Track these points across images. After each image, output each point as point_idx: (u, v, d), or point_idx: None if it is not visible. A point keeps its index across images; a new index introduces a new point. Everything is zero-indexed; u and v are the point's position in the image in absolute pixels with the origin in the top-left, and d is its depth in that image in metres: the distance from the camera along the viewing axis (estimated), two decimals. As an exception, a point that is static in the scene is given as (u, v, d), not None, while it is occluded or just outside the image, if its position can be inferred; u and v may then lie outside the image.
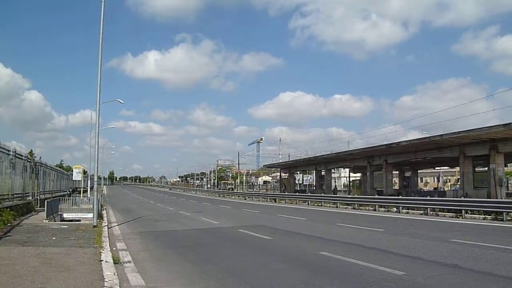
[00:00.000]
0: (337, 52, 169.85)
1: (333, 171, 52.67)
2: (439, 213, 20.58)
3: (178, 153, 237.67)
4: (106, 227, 14.60)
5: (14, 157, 17.01)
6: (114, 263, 7.83)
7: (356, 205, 27.18)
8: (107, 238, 11.42)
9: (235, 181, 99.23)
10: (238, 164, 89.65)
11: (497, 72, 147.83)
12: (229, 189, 77.89)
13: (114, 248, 10.09)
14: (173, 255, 9.75)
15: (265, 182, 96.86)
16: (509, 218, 17.23)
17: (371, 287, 6.28)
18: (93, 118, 29.83)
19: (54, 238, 10.89)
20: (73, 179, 31.13)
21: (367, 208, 25.84)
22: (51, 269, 6.87)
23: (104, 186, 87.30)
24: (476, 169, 32.14)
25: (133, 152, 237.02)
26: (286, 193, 46.17)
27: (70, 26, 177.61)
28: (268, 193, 58.07)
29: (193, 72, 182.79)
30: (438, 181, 67.18)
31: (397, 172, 46.08)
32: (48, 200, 17.34)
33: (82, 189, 36.10)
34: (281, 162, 61.13)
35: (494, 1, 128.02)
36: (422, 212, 21.48)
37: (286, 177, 57.55)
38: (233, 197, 50.64)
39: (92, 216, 14.99)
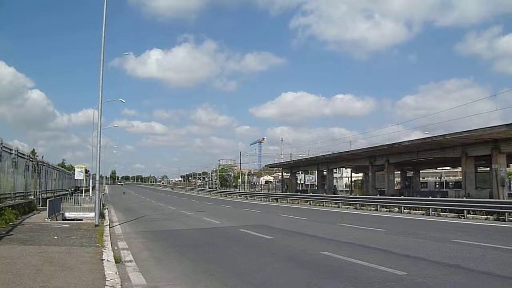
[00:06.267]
0: (339, 52, 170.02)
1: (335, 171, 52.63)
2: (441, 213, 20.54)
3: (180, 153, 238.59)
4: (108, 226, 14.63)
5: (16, 156, 17.06)
6: (116, 262, 7.84)
7: (357, 205, 27.15)
8: (109, 237, 11.44)
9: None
10: (240, 163, 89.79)
11: (499, 72, 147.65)
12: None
13: (115, 247, 10.10)
14: (174, 255, 9.74)
15: (266, 182, 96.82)
16: (511, 218, 17.18)
17: (372, 287, 6.27)
18: (95, 118, 29.88)
19: (56, 237, 10.91)
20: (75, 178, 31.21)
21: (369, 208, 25.80)
22: (53, 268, 6.89)
23: (106, 186, 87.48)
24: (478, 169, 32.09)
25: (135, 151, 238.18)
26: (288, 193, 46.17)
27: (72, 26, 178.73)
28: (270, 193, 58.03)
29: (195, 71, 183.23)
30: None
31: (399, 172, 46.01)
32: (50, 199, 17.40)
33: (84, 188, 36.13)
34: (282, 162, 61.12)
35: (497, 0, 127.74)
36: (424, 212, 21.44)
37: (288, 177, 57.54)
38: (235, 196, 50.65)
39: (93, 215, 15.02)
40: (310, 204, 32.15)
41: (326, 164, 45.53)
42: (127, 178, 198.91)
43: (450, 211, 20.26)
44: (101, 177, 31.86)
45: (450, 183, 49.02)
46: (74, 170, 32.64)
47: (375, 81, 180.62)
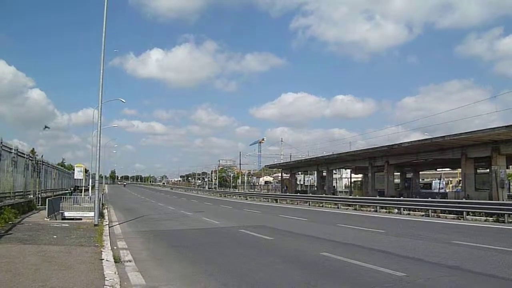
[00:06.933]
0: (339, 53, 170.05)
1: (334, 172, 52.60)
2: (440, 214, 20.54)
3: (180, 153, 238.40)
4: (107, 226, 14.62)
5: (16, 155, 17.05)
6: (115, 262, 7.83)
7: (357, 206, 27.16)
8: (108, 237, 11.43)
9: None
10: (240, 164, 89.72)
11: (500, 74, 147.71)
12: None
13: (115, 247, 10.09)
14: (174, 255, 9.74)
15: (266, 182, 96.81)
16: (511, 220, 17.18)
17: (371, 288, 6.27)
18: (95, 117, 29.88)
19: (55, 236, 10.90)
20: (75, 177, 31.18)
21: (368, 209, 25.80)
22: (52, 268, 6.88)
23: (106, 185, 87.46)
24: (478, 170, 32.04)
25: (135, 151, 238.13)
26: (287, 194, 46.16)
27: (73, 25, 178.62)
28: (269, 193, 58.06)
29: (195, 72, 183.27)
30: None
31: (399, 173, 46.00)
32: (49, 198, 17.36)
33: (83, 188, 36.11)
34: (282, 163, 61.09)
35: (498, 2, 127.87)
36: (423, 213, 21.44)
37: (288, 177, 57.53)
38: (234, 197, 50.64)
39: (93, 215, 15.00)
40: (309, 205, 32.14)
41: (325, 165, 45.52)
42: (126, 178, 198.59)
43: (450, 212, 20.26)
44: (100, 176, 31.87)
45: (421, 184, 50.04)
46: (73, 170, 32.64)
47: (375, 82, 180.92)
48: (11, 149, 16.55)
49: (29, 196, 20.38)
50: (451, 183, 65.96)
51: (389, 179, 34.94)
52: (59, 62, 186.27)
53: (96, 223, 14.10)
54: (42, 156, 31.71)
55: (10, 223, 13.51)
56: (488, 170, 29.80)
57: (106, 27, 15.30)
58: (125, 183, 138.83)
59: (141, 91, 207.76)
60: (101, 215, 16.80)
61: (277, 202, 38.14)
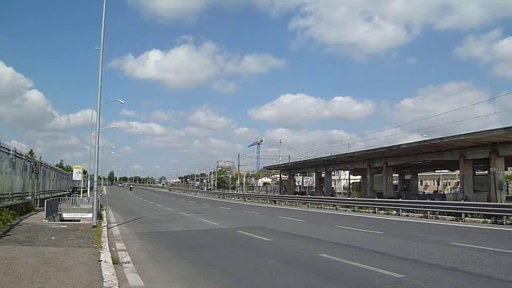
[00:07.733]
0: (338, 54, 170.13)
1: (333, 173, 52.62)
2: (439, 216, 20.57)
3: (179, 154, 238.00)
4: (106, 227, 14.59)
5: (14, 157, 17.01)
6: (113, 263, 7.83)
7: (355, 207, 27.16)
8: (107, 238, 11.41)
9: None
10: (238, 165, 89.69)
11: (498, 75, 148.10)
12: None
13: (113, 249, 10.08)
14: (172, 256, 9.74)
15: (265, 183, 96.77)
16: (509, 222, 17.21)
17: (370, 289, 6.27)
18: (93, 118, 29.85)
19: (53, 238, 10.88)
20: (73, 179, 31.11)
21: (367, 210, 25.82)
22: (50, 269, 6.87)
23: (104, 187, 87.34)
24: (476, 172, 32.07)
25: (133, 152, 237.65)
26: (286, 195, 46.13)
27: (72, 26, 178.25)
28: (268, 194, 58.01)
29: (194, 73, 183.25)
30: (438, 184, 67.15)
31: (397, 174, 46.09)
32: (47, 199, 17.33)
33: (81, 189, 36.07)
34: (281, 164, 61.12)
35: (497, 4, 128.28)
36: (422, 215, 21.46)
37: (286, 179, 57.53)
38: (233, 198, 50.61)
39: (91, 216, 14.98)
40: (308, 206, 32.13)
41: (324, 166, 45.54)
42: (125, 179, 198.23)
43: (448, 214, 20.29)
44: (99, 178, 31.81)
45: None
46: (72, 171, 32.59)
47: (374, 83, 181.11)
48: (9, 150, 16.52)
49: (27, 198, 20.33)
50: (449, 185, 66.15)
51: (388, 181, 34.97)
52: (58, 63, 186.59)
53: (94, 224, 14.08)
54: (40, 157, 31.76)
55: (8, 225, 13.47)
56: (486, 172, 29.85)
57: (105, 28, 15.34)
58: (131, 185, 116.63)
59: (140, 92, 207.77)
60: (99, 216, 16.77)
61: (275, 203, 38.13)
